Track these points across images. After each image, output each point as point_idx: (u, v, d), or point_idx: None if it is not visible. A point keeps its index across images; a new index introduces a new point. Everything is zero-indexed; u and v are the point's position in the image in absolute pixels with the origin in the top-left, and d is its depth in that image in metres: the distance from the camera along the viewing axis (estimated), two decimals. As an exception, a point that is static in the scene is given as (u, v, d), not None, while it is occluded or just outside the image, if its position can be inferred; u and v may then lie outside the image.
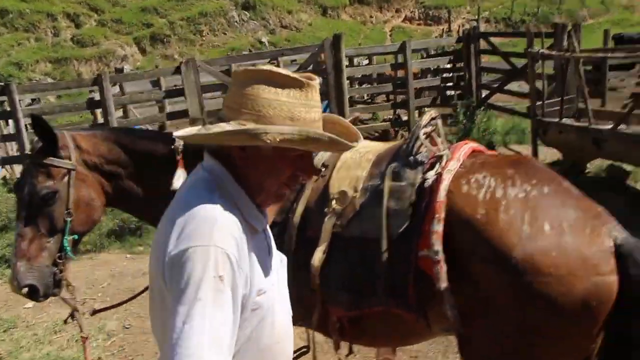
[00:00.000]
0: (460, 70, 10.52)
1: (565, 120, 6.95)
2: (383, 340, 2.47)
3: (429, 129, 2.31)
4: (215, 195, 1.28)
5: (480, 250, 1.91)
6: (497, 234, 1.89)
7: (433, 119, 2.35)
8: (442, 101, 10.72)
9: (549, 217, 1.89)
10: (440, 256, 1.95)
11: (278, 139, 1.23)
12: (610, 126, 6.12)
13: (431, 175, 2.11)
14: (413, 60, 9.87)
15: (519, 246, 1.85)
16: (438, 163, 2.14)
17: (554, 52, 7.48)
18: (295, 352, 2.03)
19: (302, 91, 1.30)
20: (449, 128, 9.49)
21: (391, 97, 12.73)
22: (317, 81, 1.35)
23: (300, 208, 2.30)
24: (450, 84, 11.14)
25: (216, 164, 1.35)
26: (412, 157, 2.22)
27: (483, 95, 10.08)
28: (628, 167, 7.01)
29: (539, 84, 7.51)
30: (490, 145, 8.51)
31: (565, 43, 7.66)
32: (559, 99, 7.05)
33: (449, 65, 11.16)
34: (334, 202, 2.23)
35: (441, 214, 1.98)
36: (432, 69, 12.73)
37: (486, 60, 13.35)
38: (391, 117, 12.04)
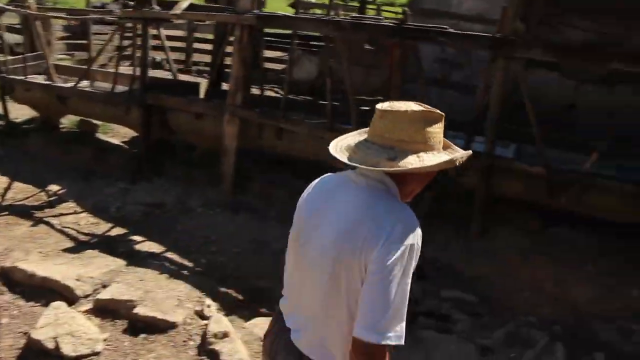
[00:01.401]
0: None
1: (31, 78, 7.06)
2: None
3: None
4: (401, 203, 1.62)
5: None
6: None
7: None
8: None
9: None
10: None
11: (459, 162, 1.60)
12: (72, 84, 6.62)
13: None
14: None
15: None
16: None
17: (11, 7, 7.38)
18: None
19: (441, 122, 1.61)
20: None
21: None
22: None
23: None
24: None
25: (388, 178, 1.60)
26: None
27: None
28: (97, 122, 7.70)
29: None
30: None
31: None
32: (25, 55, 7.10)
33: None
34: None
35: None
36: None
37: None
38: None
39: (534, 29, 6.02)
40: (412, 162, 1.51)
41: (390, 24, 5.00)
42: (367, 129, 1.63)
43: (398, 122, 1.53)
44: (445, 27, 4.56)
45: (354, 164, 1.56)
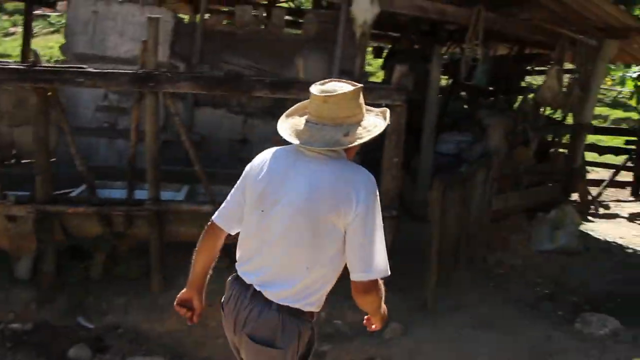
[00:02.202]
0: None
1: None
2: None
3: None
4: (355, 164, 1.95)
5: None
6: None
7: None
8: None
9: None
10: None
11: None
12: None
13: None
14: None
15: None
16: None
17: None
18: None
19: None
20: None
21: None
22: None
23: None
24: None
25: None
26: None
27: None
28: None
29: None
30: None
31: None
32: None
33: None
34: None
35: None
36: None
37: None
38: None
39: (194, 67, 5.99)
40: (361, 133, 1.87)
41: (19, 66, 4.29)
42: (298, 109, 2.00)
43: (342, 102, 1.84)
44: (83, 66, 4.08)
45: (320, 147, 1.84)
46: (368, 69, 12.35)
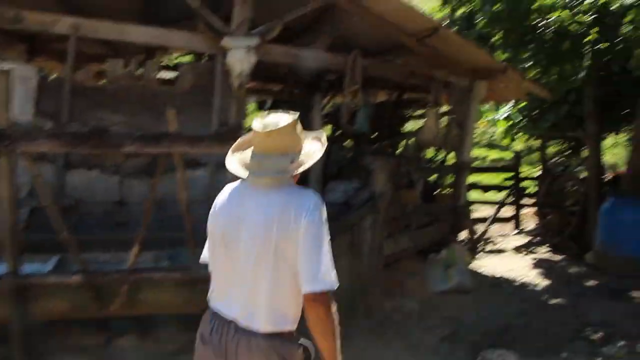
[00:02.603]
0: None
1: None
2: None
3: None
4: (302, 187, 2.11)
5: None
6: None
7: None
8: None
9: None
10: None
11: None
12: None
13: None
14: None
15: None
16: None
17: None
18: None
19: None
20: None
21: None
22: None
23: None
24: None
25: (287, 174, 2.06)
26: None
27: None
28: None
29: None
30: None
31: None
32: None
33: None
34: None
35: None
36: None
37: None
38: None
39: (63, 126, 5.49)
40: (304, 159, 2.07)
41: None
42: (241, 145, 2.17)
43: (284, 134, 2.04)
44: None
45: (271, 175, 2.03)
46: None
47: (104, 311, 4.11)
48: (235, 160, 2.11)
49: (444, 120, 6.76)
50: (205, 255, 2.23)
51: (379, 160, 4.92)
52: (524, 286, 6.62)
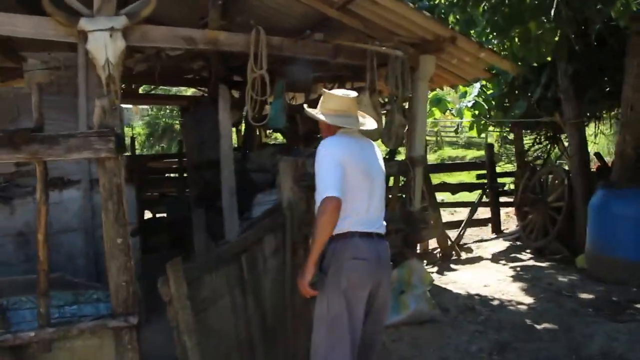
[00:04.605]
0: None
1: None
2: None
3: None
4: None
5: None
6: None
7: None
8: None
9: None
10: None
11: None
12: None
13: None
14: None
15: None
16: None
17: None
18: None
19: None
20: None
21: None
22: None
23: None
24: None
25: None
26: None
27: None
28: None
29: None
30: None
31: None
32: None
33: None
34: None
35: None
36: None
37: None
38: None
39: None
40: (366, 121, 3.06)
41: None
42: (336, 110, 2.95)
43: (357, 103, 3.08)
44: None
45: (371, 127, 3.05)
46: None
47: None
48: (343, 120, 2.93)
49: (384, 109, 5.45)
50: (339, 190, 2.67)
51: (283, 161, 3.57)
52: (502, 307, 5.25)
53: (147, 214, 9.24)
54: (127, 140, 10.34)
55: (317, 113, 2.98)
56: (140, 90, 9.44)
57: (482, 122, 8.24)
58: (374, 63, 5.02)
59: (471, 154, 19.77)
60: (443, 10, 6.02)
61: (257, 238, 3.37)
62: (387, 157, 6.58)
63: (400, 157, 6.99)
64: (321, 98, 3.05)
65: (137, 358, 2.89)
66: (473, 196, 9.41)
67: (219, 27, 4.67)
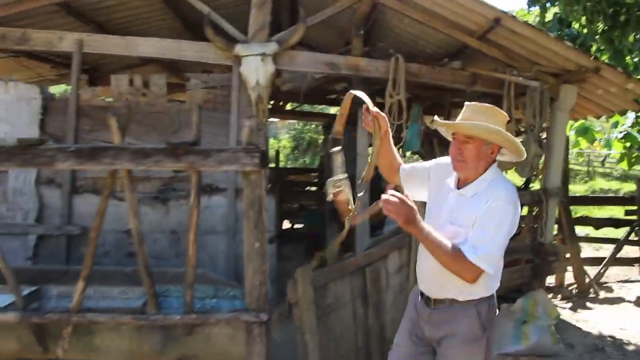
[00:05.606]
0: None
1: None
2: None
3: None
4: None
5: None
6: None
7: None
8: None
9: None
10: None
11: None
12: None
13: None
14: None
15: None
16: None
17: None
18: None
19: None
20: None
21: None
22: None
23: None
24: None
25: None
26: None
27: None
28: None
29: None
30: None
31: None
32: None
33: None
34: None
35: None
36: None
37: None
38: None
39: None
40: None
41: None
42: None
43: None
44: None
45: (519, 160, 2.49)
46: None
47: (49, 355, 3.41)
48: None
49: (521, 138, 5.39)
50: (494, 268, 2.25)
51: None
52: (635, 353, 4.93)
53: (286, 224, 9.84)
54: (272, 152, 11.07)
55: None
56: (288, 106, 10.12)
57: (634, 154, 7.68)
58: (512, 92, 5.03)
59: (627, 187, 18.21)
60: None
61: (382, 254, 3.60)
62: (522, 186, 6.45)
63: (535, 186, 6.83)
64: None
65: (264, 351, 3.26)
66: (620, 232, 8.78)
67: (360, 54, 5.02)
